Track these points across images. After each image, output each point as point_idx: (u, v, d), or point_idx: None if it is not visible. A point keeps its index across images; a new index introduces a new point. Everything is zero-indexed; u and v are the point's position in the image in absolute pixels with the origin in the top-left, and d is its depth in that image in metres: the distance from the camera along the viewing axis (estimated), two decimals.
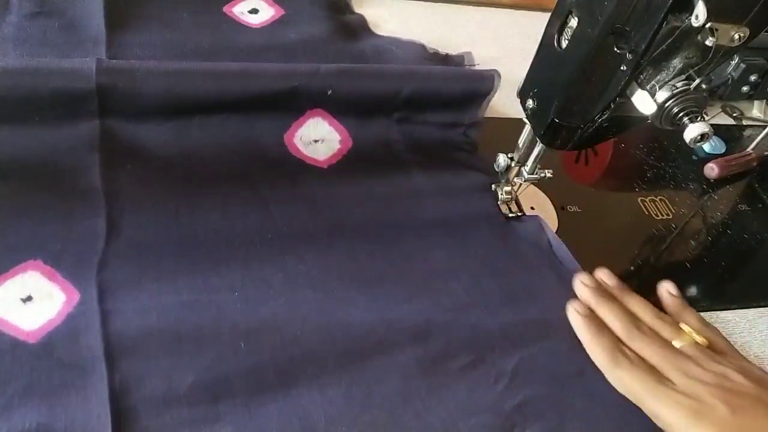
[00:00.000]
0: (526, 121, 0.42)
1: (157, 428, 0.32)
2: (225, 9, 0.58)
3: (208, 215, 0.42)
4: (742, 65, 0.64)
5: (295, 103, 0.48)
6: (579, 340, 0.39)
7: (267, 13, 0.59)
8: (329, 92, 0.47)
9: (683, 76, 0.31)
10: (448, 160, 0.51)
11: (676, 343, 0.38)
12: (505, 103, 0.59)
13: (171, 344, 0.35)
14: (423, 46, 0.61)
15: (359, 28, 0.62)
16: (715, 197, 0.59)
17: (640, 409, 0.35)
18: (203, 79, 0.44)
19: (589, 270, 0.49)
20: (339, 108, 0.49)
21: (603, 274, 0.43)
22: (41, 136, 0.41)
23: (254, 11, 0.59)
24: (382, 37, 0.62)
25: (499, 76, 0.51)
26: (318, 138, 0.48)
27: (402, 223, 0.45)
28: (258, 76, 0.45)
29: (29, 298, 0.36)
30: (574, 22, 0.34)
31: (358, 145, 0.49)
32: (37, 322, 0.35)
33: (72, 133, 0.42)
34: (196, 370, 0.35)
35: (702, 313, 0.48)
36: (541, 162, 0.45)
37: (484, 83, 0.51)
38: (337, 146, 0.49)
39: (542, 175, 0.45)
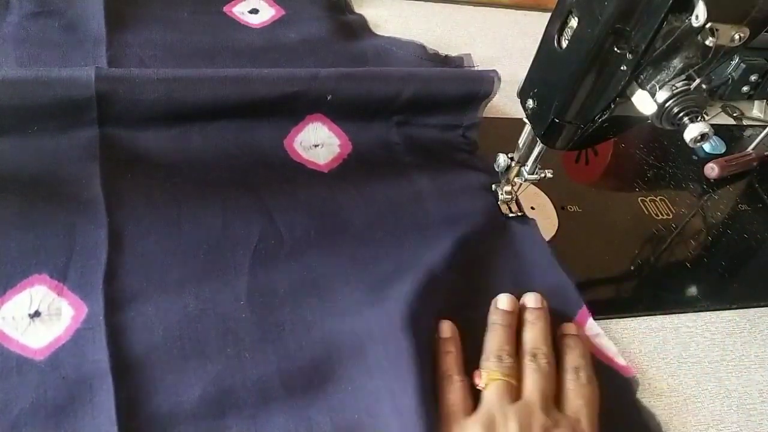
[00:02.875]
0: (526, 121, 0.42)
1: None
2: (225, 9, 0.58)
3: (210, 222, 0.42)
4: (742, 65, 0.64)
5: (294, 108, 0.47)
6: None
7: (267, 13, 0.59)
8: (329, 97, 0.47)
9: (683, 76, 0.31)
10: (448, 161, 0.51)
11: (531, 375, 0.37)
12: (506, 103, 0.59)
13: (177, 359, 0.35)
14: (423, 47, 0.61)
15: (359, 29, 0.62)
16: (715, 197, 0.59)
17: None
18: (202, 86, 0.44)
19: (588, 270, 0.49)
20: (338, 112, 0.49)
21: (529, 300, 0.42)
22: (41, 147, 0.41)
23: (254, 11, 0.59)
24: (383, 37, 0.62)
25: (499, 77, 0.51)
26: (318, 143, 0.48)
27: (404, 225, 0.46)
28: (257, 82, 0.45)
29: (37, 314, 0.35)
30: (574, 22, 0.34)
31: (357, 148, 0.49)
32: (45, 339, 0.35)
33: (72, 143, 0.42)
34: (202, 383, 0.35)
35: (702, 313, 0.48)
36: (541, 162, 0.45)
37: (483, 85, 0.51)
38: (336, 150, 0.49)
39: (542, 175, 0.45)
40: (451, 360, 0.38)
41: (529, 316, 0.41)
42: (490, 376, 0.37)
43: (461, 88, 0.51)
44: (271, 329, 0.38)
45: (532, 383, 0.37)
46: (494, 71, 0.51)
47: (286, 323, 0.38)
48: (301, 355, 0.37)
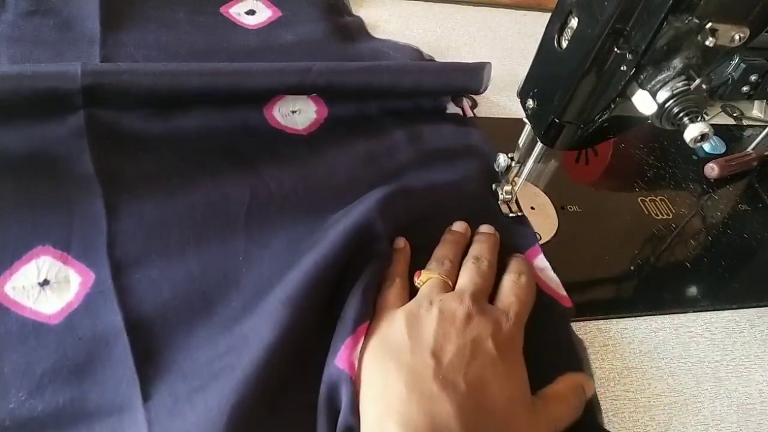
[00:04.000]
0: (526, 121, 0.42)
1: (183, 391, 0.34)
2: (222, 9, 0.58)
3: (201, 186, 0.43)
4: (742, 65, 0.64)
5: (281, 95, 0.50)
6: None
7: (264, 14, 0.59)
8: (314, 94, 0.50)
9: (683, 76, 0.31)
10: (422, 117, 0.53)
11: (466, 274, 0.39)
12: (506, 103, 0.59)
13: (185, 314, 0.37)
14: (419, 51, 0.61)
15: (356, 31, 0.62)
16: (715, 197, 0.59)
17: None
18: (190, 81, 0.45)
19: (588, 270, 0.49)
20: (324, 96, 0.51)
21: (483, 227, 0.45)
22: (28, 131, 0.42)
23: (251, 12, 0.59)
24: (379, 40, 0.62)
25: (489, 74, 0.52)
26: (295, 109, 0.50)
27: (383, 177, 0.47)
28: (248, 76, 0.46)
29: (46, 282, 0.37)
30: (574, 23, 0.34)
31: (333, 112, 0.51)
32: (57, 305, 0.36)
33: (59, 124, 0.43)
34: (208, 333, 0.37)
35: (702, 313, 0.48)
36: (541, 161, 0.45)
37: (475, 77, 0.52)
38: (313, 116, 0.50)
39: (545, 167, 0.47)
40: (396, 266, 0.40)
41: (479, 237, 0.44)
42: (427, 275, 0.39)
43: (454, 80, 0.52)
44: (272, 281, 0.39)
45: (467, 277, 0.39)
46: (488, 63, 0.52)
47: (284, 275, 0.39)
48: (302, 305, 0.38)
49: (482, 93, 0.54)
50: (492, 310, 0.37)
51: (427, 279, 0.39)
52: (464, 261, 0.41)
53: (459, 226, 0.44)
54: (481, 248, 0.42)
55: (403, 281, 0.39)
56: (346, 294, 0.38)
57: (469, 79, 0.52)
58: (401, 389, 0.31)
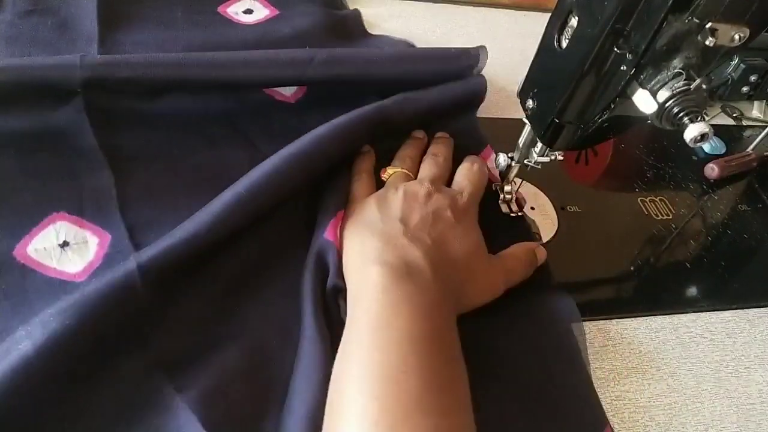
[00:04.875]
0: (526, 121, 0.42)
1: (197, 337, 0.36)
2: (219, 9, 0.58)
3: (202, 155, 0.45)
4: (742, 65, 0.64)
5: None
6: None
7: (261, 14, 0.59)
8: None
9: (683, 76, 0.31)
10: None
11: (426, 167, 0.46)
12: (506, 103, 0.59)
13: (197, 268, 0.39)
14: (413, 47, 0.60)
15: (353, 24, 0.62)
16: (715, 197, 0.59)
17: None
18: (188, 72, 0.45)
19: (588, 270, 0.49)
20: None
21: (439, 133, 0.51)
22: (27, 114, 0.43)
23: (248, 11, 0.59)
24: (374, 36, 0.62)
25: (486, 54, 0.52)
26: None
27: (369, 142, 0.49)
28: (246, 68, 0.46)
29: (66, 243, 0.38)
30: (574, 22, 0.34)
31: None
32: (80, 264, 0.38)
33: (57, 104, 0.43)
34: (224, 278, 0.39)
35: (702, 313, 0.48)
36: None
37: (471, 60, 0.52)
38: None
39: (552, 157, 0.45)
40: (362, 164, 0.46)
41: (436, 140, 0.50)
42: (392, 170, 0.46)
43: (453, 64, 0.52)
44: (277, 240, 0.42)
45: (426, 169, 0.46)
46: (482, 47, 0.52)
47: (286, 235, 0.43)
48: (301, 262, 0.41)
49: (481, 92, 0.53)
50: (449, 189, 0.44)
51: (392, 173, 0.45)
52: (424, 158, 0.47)
53: (418, 132, 0.50)
54: (438, 147, 0.48)
55: (369, 176, 0.45)
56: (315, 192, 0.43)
57: (468, 61, 0.52)
58: (377, 244, 0.37)
